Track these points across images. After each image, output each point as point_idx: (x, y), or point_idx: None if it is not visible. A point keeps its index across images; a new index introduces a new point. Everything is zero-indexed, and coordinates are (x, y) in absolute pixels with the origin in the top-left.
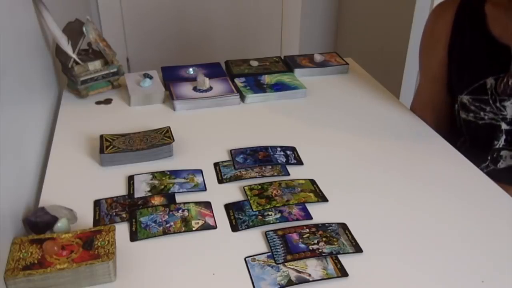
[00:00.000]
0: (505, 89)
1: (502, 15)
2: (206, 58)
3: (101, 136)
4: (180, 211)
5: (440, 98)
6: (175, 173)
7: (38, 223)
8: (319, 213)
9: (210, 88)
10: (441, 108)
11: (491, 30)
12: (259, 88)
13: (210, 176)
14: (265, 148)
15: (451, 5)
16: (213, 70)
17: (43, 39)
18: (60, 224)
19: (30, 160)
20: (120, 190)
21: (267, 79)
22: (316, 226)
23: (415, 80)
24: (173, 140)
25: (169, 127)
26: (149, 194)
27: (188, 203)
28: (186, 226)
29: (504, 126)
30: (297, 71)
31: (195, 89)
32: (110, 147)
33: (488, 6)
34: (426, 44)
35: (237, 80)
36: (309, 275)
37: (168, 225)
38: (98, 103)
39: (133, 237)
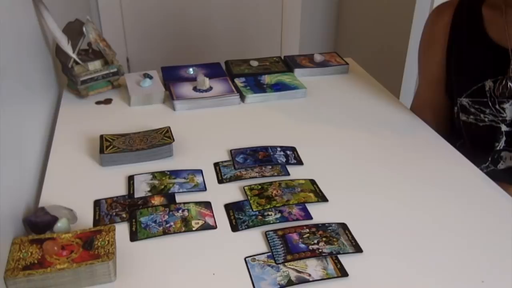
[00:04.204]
0: (503, 91)
1: (499, 18)
2: (206, 58)
3: (101, 136)
4: (180, 211)
5: (440, 100)
6: (175, 173)
7: (38, 223)
8: (319, 213)
9: (210, 88)
10: (441, 110)
11: (488, 33)
12: (259, 88)
13: (210, 176)
14: (265, 148)
15: (449, 7)
16: (213, 70)
17: (43, 39)
18: (60, 224)
19: (30, 160)
20: (120, 190)
21: (267, 79)
22: (316, 226)
23: (415, 80)
24: (173, 140)
25: (169, 127)
26: (149, 194)
27: (188, 203)
28: (186, 226)
29: (504, 128)
30: (297, 71)
31: (195, 89)
32: (110, 147)
33: (485, 9)
34: (424, 46)
35: (237, 80)
36: (309, 275)
37: (168, 225)
38: (98, 103)
39: (133, 237)
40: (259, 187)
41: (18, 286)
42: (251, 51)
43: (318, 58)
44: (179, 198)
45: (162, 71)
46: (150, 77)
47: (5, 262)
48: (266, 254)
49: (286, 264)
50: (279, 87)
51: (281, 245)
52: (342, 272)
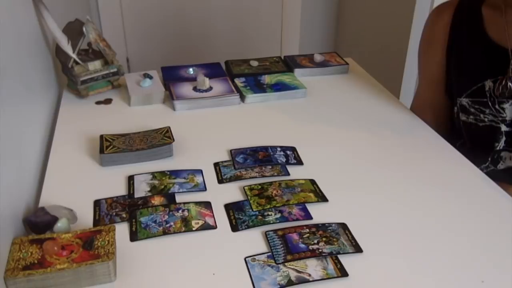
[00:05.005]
0: (503, 91)
1: (499, 18)
2: (206, 58)
3: (101, 136)
4: (180, 211)
5: (439, 100)
6: (175, 173)
7: (38, 223)
8: (319, 213)
9: (210, 88)
10: (441, 110)
11: (488, 33)
12: (259, 88)
13: (210, 176)
14: (265, 148)
15: (449, 7)
16: (213, 70)
17: (43, 39)
18: (60, 224)
19: (30, 160)
20: (120, 190)
21: (267, 79)
22: (316, 226)
23: (415, 80)
24: (173, 140)
25: (169, 127)
26: (149, 194)
27: (188, 203)
28: (186, 226)
29: (503, 128)
30: (297, 71)
31: (195, 89)
32: (110, 147)
33: (485, 9)
34: (424, 47)
35: (237, 80)
36: (309, 275)
37: (168, 225)
38: (98, 103)
39: (133, 237)
40: (259, 187)
41: (18, 286)
42: (251, 51)
43: (318, 58)
44: (179, 198)
45: (162, 71)
46: (150, 77)
47: (5, 262)
48: (266, 254)
49: (286, 264)
50: (279, 87)
51: (281, 245)
52: (342, 272)
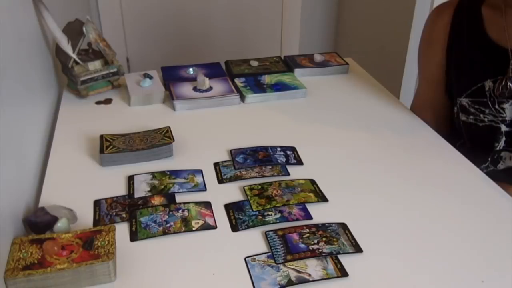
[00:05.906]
0: (503, 91)
1: (499, 18)
2: (206, 58)
3: (101, 136)
4: (180, 211)
5: (439, 100)
6: (175, 173)
7: (38, 223)
8: (319, 213)
9: (210, 88)
10: (441, 110)
11: (488, 33)
12: (259, 88)
13: (210, 176)
14: (265, 148)
15: (449, 7)
16: (213, 70)
17: (43, 39)
18: (60, 224)
19: (30, 160)
20: (120, 190)
21: (267, 79)
22: (316, 226)
23: (415, 80)
24: (173, 140)
25: (169, 127)
26: (149, 194)
27: (188, 203)
28: (186, 226)
29: (503, 128)
30: (297, 71)
31: (195, 89)
32: (110, 147)
33: (485, 9)
34: (424, 47)
35: (237, 80)
36: (309, 275)
37: (168, 225)
38: (98, 103)
39: (133, 237)
40: (259, 187)
41: (18, 286)
42: (251, 51)
43: (318, 58)
44: (179, 198)
45: (162, 71)
46: (150, 77)
47: (5, 262)
48: (266, 254)
49: (286, 264)
50: (279, 87)
51: (281, 245)
52: (342, 272)
